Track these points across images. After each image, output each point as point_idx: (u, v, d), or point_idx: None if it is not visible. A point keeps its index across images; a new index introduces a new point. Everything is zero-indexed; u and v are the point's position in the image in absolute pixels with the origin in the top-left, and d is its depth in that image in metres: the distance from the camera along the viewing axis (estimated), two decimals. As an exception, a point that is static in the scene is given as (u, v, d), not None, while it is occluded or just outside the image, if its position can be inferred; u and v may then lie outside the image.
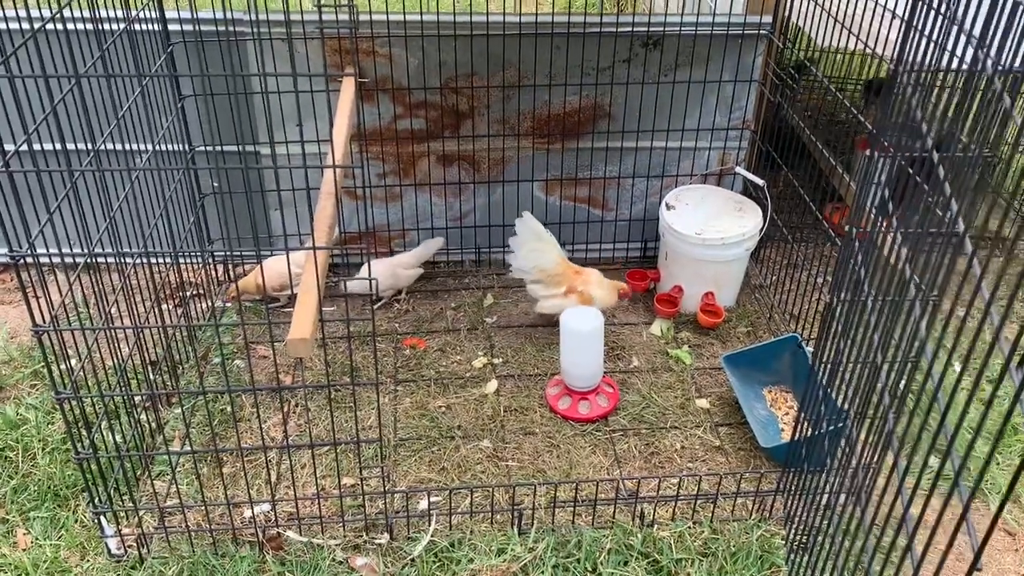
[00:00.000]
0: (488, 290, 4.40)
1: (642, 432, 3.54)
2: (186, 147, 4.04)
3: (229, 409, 3.57)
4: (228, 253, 4.39)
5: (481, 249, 4.54)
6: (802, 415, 2.89)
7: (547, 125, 4.20)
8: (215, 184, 4.22)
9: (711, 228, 4.03)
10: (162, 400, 3.62)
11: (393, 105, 4.07)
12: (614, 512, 3.13)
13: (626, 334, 4.11)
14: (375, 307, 4.25)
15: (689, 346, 4.03)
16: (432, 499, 3.18)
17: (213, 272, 4.40)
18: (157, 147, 3.81)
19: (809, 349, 3.66)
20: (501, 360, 3.92)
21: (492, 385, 3.76)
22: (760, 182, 4.12)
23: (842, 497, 2.44)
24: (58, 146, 2.34)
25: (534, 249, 3.94)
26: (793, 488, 2.98)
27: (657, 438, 3.51)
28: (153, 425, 3.40)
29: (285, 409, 3.62)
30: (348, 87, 3.67)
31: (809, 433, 2.81)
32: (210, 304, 4.24)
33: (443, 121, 4.15)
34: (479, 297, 4.33)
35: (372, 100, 4.05)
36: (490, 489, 3.16)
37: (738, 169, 4.30)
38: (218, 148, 4.09)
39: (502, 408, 3.63)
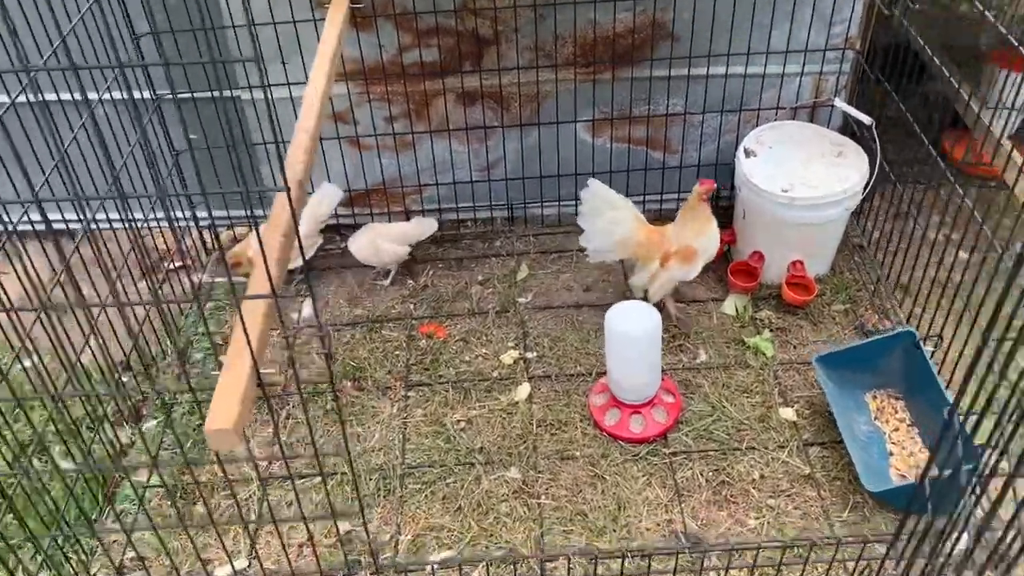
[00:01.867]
0: (523, 257, 3.63)
1: (710, 455, 2.82)
2: (151, 94, 3.30)
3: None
4: (211, 215, 3.69)
5: (515, 204, 3.76)
6: (933, 456, 2.11)
7: (593, 51, 3.32)
8: (193, 136, 3.50)
9: (802, 182, 3.16)
10: (127, 415, 3.04)
11: (397, 33, 3.24)
12: (675, 570, 2.46)
13: (691, 315, 3.33)
14: (386, 282, 3.54)
15: (771, 331, 3.24)
16: (442, 556, 2.55)
17: (200, 240, 3.74)
18: (110, 93, 3.10)
19: (928, 348, 2.84)
20: (536, 354, 3.20)
21: (524, 390, 3.06)
22: (867, 120, 3.20)
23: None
24: None
25: (612, 220, 3.12)
26: (913, 551, 2.24)
27: (729, 463, 2.79)
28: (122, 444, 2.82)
29: (275, 419, 2.99)
30: (337, 10, 2.90)
31: (938, 477, 2.03)
32: (198, 280, 3.60)
33: (460, 51, 3.31)
34: (511, 268, 3.58)
35: (370, 28, 3.23)
36: (513, 557, 2.51)
37: (837, 102, 3.37)
38: (189, 95, 3.35)
39: (535, 422, 2.94)
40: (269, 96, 3.28)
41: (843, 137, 3.35)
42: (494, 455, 2.83)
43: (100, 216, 3.06)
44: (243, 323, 1.68)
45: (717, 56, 3.30)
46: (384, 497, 2.73)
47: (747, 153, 3.31)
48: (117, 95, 3.10)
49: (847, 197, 3.13)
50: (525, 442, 2.87)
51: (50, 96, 2.72)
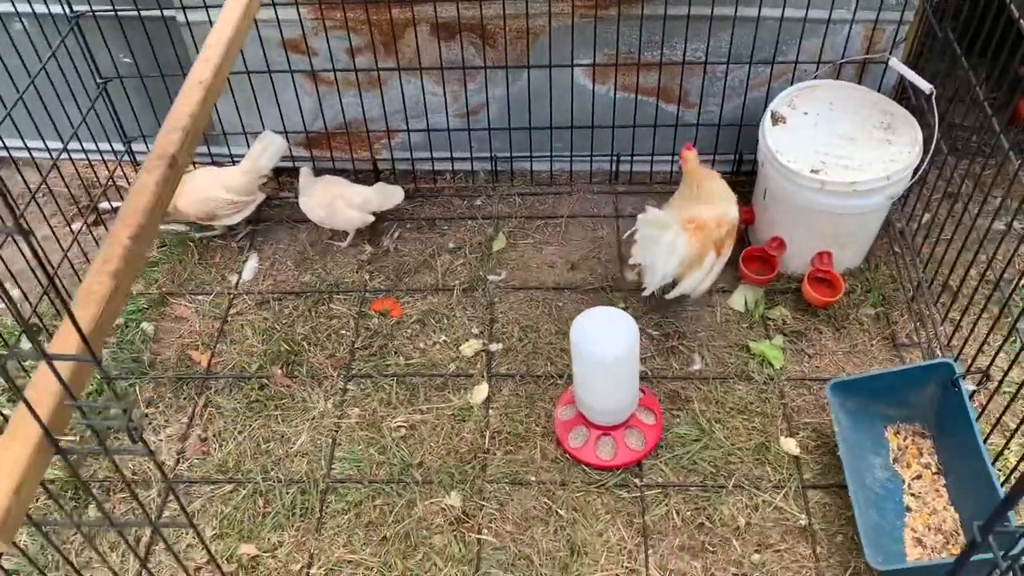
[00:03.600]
0: (503, 222, 3.12)
1: (690, 491, 2.36)
2: (66, 9, 2.79)
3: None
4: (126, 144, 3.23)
5: (499, 157, 3.21)
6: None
7: (596, -19, 2.72)
8: (126, 58, 3.00)
9: (838, 160, 2.58)
10: None
11: (357, -51, 2.67)
12: (628, 639, 2.05)
13: (690, 309, 2.82)
14: (344, 244, 3.07)
15: (784, 336, 2.72)
16: (355, 602, 2.16)
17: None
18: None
19: (969, 386, 2.31)
20: (501, 346, 2.73)
21: (481, 391, 2.60)
22: (926, 88, 2.58)
23: None
24: None
25: (670, 244, 2.54)
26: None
27: (712, 503, 2.34)
28: None
29: (192, 410, 2.60)
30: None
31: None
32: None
33: (434, -26, 2.72)
34: (488, 236, 3.07)
35: (324, -58, 2.65)
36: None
37: (893, 61, 2.73)
38: (109, 11, 2.83)
39: (489, 433, 2.50)
40: (209, 17, 2.76)
41: (895, 105, 2.73)
42: (434, 473, 2.41)
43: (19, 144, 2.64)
44: (22, 397, 1.23)
45: (748, -5, 2.67)
46: (300, 517, 2.33)
47: (775, 119, 2.72)
48: (25, 8, 2.64)
49: (891, 184, 2.55)
50: (473, 459, 2.44)
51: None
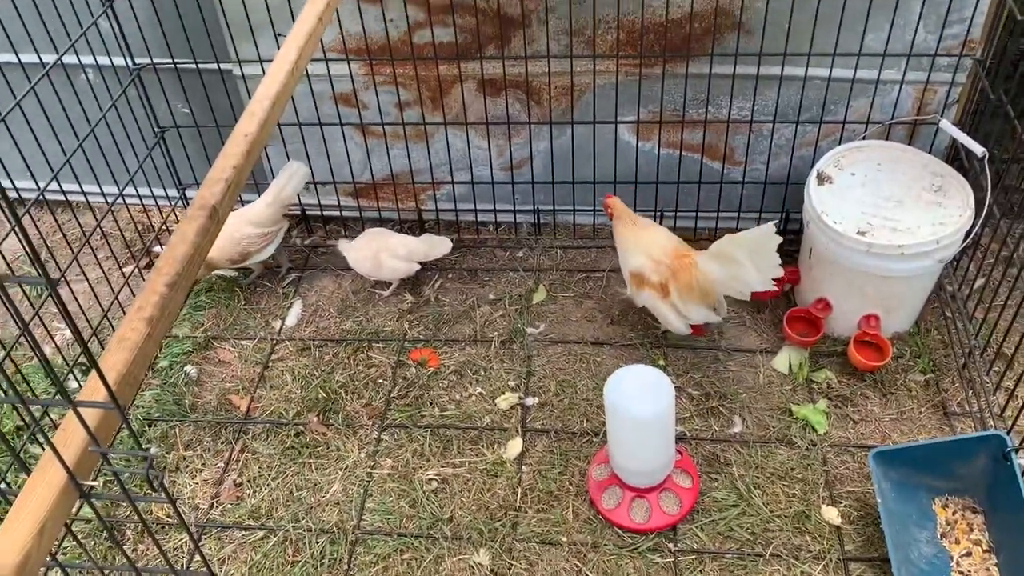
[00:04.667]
0: (545, 275, 3.11)
1: (726, 558, 2.29)
2: (128, 62, 2.91)
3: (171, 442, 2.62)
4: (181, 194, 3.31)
5: (542, 210, 3.23)
6: None
7: (642, 39, 2.73)
8: (184, 109, 3.10)
9: (885, 223, 2.52)
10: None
11: (406, 7, 2.73)
12: None
13: (733, 369, 2.77)
14: (386, 293, 3.09)
15: (828, 400, 2.65)
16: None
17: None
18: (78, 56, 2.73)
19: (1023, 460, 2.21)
20: (537, 400, 2.70)
21: (515, 446, 2.58)
22: (979, 150, 2.52)
23: None
24: None
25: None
26: None
27: (749, 572, 2.26)
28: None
29: (228, 455, 2.62)
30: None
31: None
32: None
33: (482, 32, 2.77)
34: (529, 288, 3.07)
35: (375, 0, 2.72)
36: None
37: (944, 123, 2.68)
38: (170, 64, 2.94)
39: (521, 490, 2.47)
40: (263, 71, 2.85)
41: (946, 167, 2.68)
42: (464, 529, 2.38)
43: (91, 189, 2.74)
44: (49, 442, 1.25)
45: (795, 55, 2.66)
46: (328, 568, 2.32)
47: (821, 178, 2.68)
48: (90, 60, 2.75)
49: (941, 247, 2.48)
50: (504, 516, 2.40)
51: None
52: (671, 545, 2.32)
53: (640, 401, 2.13)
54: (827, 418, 2.59)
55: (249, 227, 2.95)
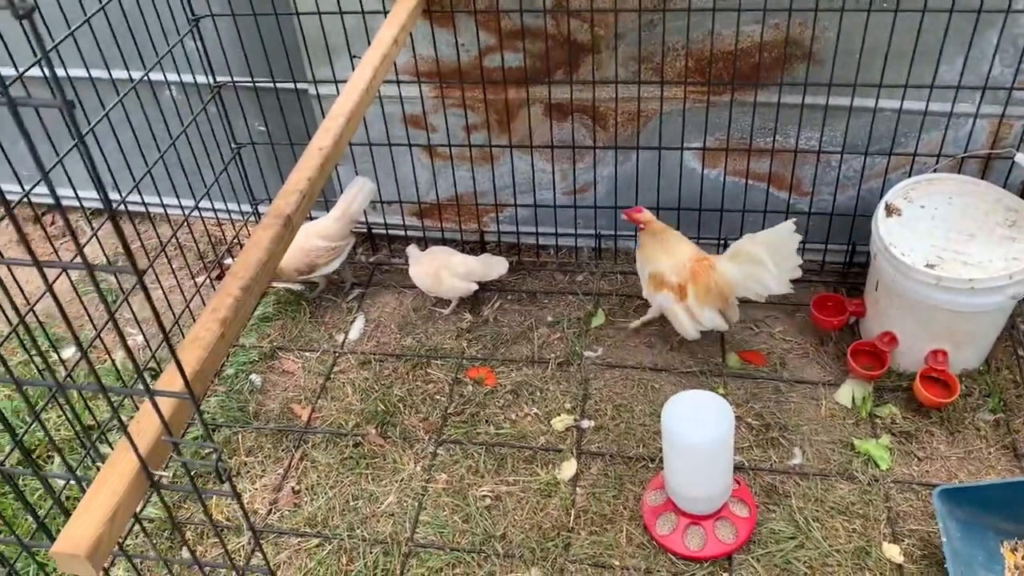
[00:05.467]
0: (604, 299, 3.12)
1: (782, 592, 2.24)
2: (210, 79, 3.03)
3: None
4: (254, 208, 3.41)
5: (604, 235, 3.24)
6: None
7: (710, 68, 2.75)
8: (260, 126, 3.21)
9: (956, 256, 2.48)
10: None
11: (478, 32, 2.80)
12: None
13: (794, 400, 2.72)
14: (446, 311, 3.13)
15: (892, 435, 2.59)
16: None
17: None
18: (164, 74, 2.85)
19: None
20: (593, 424, 2.70)
21: (570, 467, 2.58)
22: (1057, 185, 2.47)
23: None
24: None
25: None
26: None
27: (805, 607, 2.21)
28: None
29: (288, 462, 2.67)
30: (403, 5, 2.53)
31: None
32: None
33: (551, 57, 2.82)
34: (588, 312, 3.08)
35: (448, 24, 2.80)
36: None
37: (1020, 157, 2.63)
38: (250, 83, 3.05)
39: (575, 512, 2.46)
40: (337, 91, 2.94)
41: (1021, 201, 2.62)
42: (516, 547, 2.38)
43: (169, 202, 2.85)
44: (125, 430, 1.30)
45: (866, 86, 2.64)
46: (380, 579, 2.34)
47: (889, 210, 2.64)
48: (175, 77, 2.87)
49: (1014, 283, 2.42)
50: (557, 537, 2.39)
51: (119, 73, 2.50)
52: (725, 575, 2.28)
53: (699, 425, 2.12)
54: (890, 454, 2.53)
55: (318, 240, 3.03)
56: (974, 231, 2.55)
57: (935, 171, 2.77)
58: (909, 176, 2.79)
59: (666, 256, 2.75)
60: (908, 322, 2.63)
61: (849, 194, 2.95)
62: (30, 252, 1.04)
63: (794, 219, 2.54)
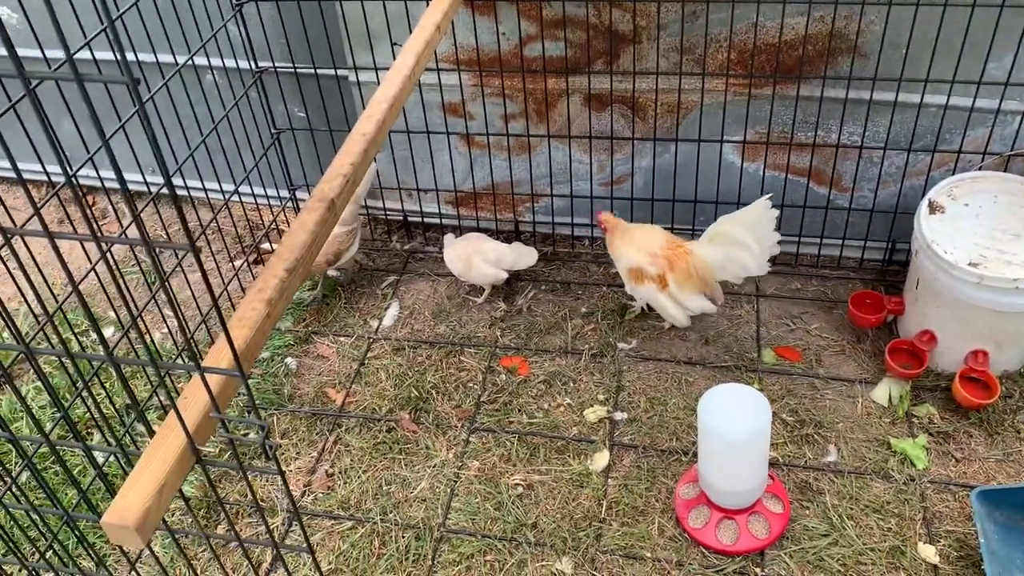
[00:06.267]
0: (639, 292, 3.11)
1: (815, 589, 2.23)
2: (252, 64, 3.06)
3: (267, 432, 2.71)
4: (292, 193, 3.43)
5: (641, 227, 3.23)
6: None
7: (752, 60, 2.73)
8: (300, 112, 3.24)
9: (1000, 255, 2.44)
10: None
11: (520, 21, 2.79)
12: None
13: (829, 398, 2.70)
14: (480, 300, 3.14)
15: (929, 435, 2.56)
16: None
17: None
18: (207, 58, 2.88)
19: None
20: (626, 416, 2.70)
21: (602, 458, 2.58)
22: (1107, 185, 2.42)
23: None
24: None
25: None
26: None
27: (838, 605, 2.20)
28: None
29: (322, 445, 2.70)
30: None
31: None
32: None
33: (591, 47, 2.81)
34: (622, 304, 3.07)
35: (489, 13, 2.80)
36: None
37: (1070, 156, 2.59)
38: (291, 68, 3.07)
39: (606, 502, 2.46)
40: (377, 78, 2.95)
41: (1069, 201, 2.57)
42: (548, 536, 2.38)
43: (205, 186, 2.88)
44: (174, 405, 1.32)
45: (911, 81, 2.61)
46: (412, 563, 2.35)
47: (932, 208, 2.61)
48: (217, 62, 2.90)
49: (1060, 284, 2.38)
50: (588, 527, 2.40)
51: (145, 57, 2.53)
52: (758, 570, 2.27)
53: (736, 419, 2.11)
54: (927, 454, 2.51)
55: (336, 227, 3.04)
56: (1019, 230, 2.51)
57: (980, 169, 2.73)
58: (953, 174, 2.75)
59: (638, 249, 2.79)
60: (948, 321, 2.60)
61: (890, 191, 2.92)
62: (89, 225, 1.06)
63: (768, 195, 2.62)
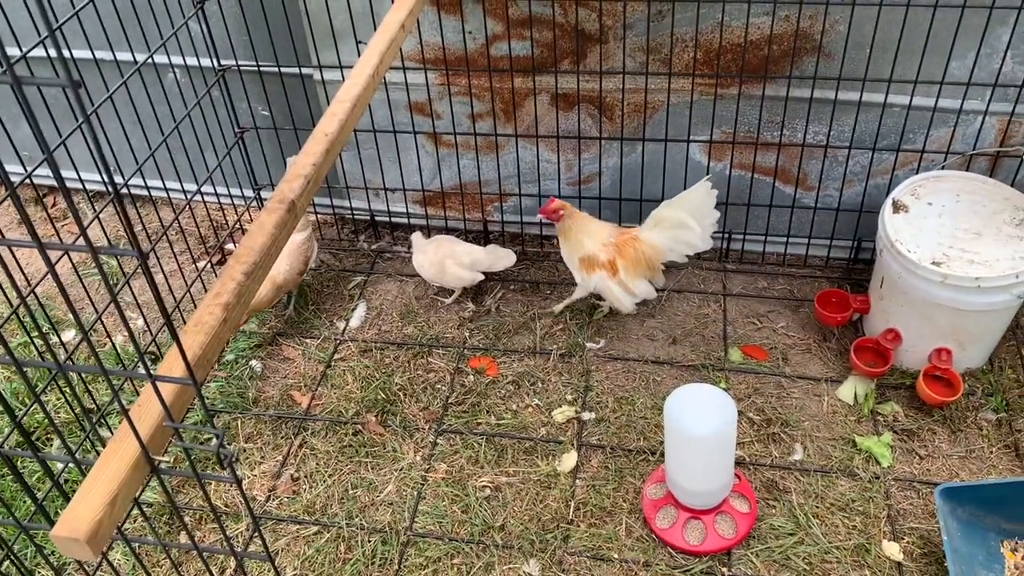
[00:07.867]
0: (607, 291, 3.11)
1: (781, 588, 2.24)
2: (214, 62, 3.01)
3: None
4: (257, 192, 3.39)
5: (609, 227, 3.22)
6: None
7: (718, 59, 2.73)
8: (264, 111, 3.19)
9: (962, 254, 2.46)
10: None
11: (485, 20, 2.77)
12: None
13: (796, 396, 2.72)
14: (448, 301, 3.12)
15: (894, 433, 2.58)
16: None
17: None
18: (168, 56, 2.83)
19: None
20: (594, 416, 2.69)
21: (570, 459, 2.57)
22: (1066, 184, 2.45)
23: None
24: None
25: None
26: None
27: (804, 603, 2.21)
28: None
29: (287, 449, 2.66)
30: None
31: None
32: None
33: (558, 47, 2.80)
34: (592, 303, 3.06)
35: (455, 11, 2.77)
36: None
37: (1030, 155, 2.62)
38: (254, 67, 3.03)
39: (574, 503, 2.45)
40: (343, 76, 2.92)
41: (1030, 200, 2.61)
42: (515, 538, 2.37)
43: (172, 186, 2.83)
44: (126, 414, 1.29)
45: (875, 81, 2.62)
46: (378, 567, 2.33)
47: (896, 207, 2.63)
48: (179, 60, 2.85)
49: (1021, 282, 2.41)
50: (556, 528, 2.39)
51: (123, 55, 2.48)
52: (724, 569, 2.28)
53: (702, 419, 2.11)
54: (892, 451, 2.53)
55: (296, 235, 2.99)
56: (981, 229, 2.53)
57: (943, 168, 2.75)
58: (917, 173, 2.77)
59: (590, 238, 2.83)
60: (913, 319, 2.62)
61: (856, 189, 2.94)
62: (33, 233, 1.03)
63: (708, 176, 2.79)
